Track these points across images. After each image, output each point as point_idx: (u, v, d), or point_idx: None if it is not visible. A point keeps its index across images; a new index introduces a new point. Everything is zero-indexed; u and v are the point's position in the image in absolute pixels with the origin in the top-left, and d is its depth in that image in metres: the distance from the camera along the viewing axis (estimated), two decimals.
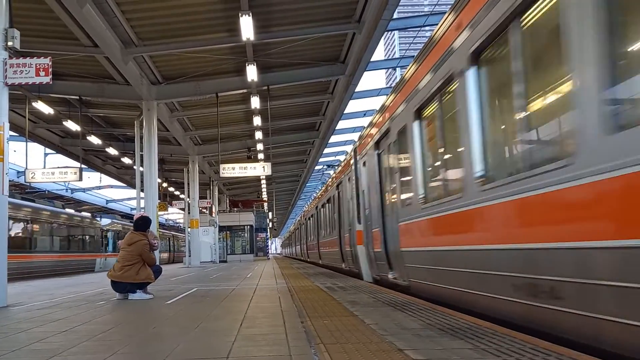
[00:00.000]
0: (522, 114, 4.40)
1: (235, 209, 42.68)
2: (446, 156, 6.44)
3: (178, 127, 23.50)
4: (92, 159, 29.59)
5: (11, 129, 11.08)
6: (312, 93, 21.60)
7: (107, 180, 39.50)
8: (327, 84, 20.61)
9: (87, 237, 30.06)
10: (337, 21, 15.04)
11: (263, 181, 39.00)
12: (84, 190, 44.19)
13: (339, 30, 15.57)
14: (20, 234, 22.63)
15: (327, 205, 18.89)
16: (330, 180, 19.75)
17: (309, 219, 27.34)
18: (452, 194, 5.93)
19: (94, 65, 16.53)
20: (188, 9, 13.60)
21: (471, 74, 5.27)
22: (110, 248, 32.55)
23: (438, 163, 6.74)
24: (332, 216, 17.18)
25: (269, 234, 53.31)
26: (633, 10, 3.32)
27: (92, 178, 40.69)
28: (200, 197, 30.62)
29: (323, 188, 22.61)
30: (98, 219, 32.87)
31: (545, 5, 4.11)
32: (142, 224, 8.98)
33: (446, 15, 5.96)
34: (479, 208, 5.13)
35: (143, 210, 17.85)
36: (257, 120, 21.57)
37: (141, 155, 18.88)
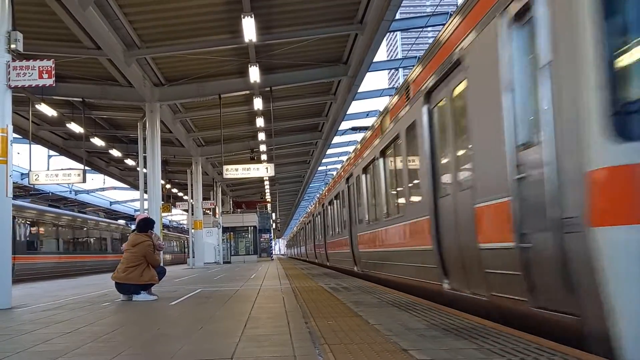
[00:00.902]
0: None
1: (239, 210, 42.73)
2: None
3: (181, 129, 23.53)
4: (95, 161, 29.65)
5: (15, 131, 11.14)
6: (315, 94, 21.58)
7: (111, 181, 39.66)
8: (329, 85, 20.61)
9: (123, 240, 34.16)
10: (340, 22, 15.03)
11: (266, 182, 39.01)
12: (87, 192, 44.33)
13: (342, 31, 15.56)
14: (84, 240, 28.30)
15: (377, 164, 10.33)
16: (397, 98, 8.79)
17: (329, 204, 19.56)
18: None
19: (96, 68, 16.56)
20: (190, 11, 13.61)
21: None
22: None
23: None
24: (401, 179, 8.65)
25: (272, 234, 53.32)
26: None
27: (96, 180, 40.96)
28: (204, 199, 30.72)
29: (362, 141, 12.94)
30: (129, 225, 37.97)
31: None
32: (144, 225, 9.00)
33: None
34: None
35: (146, 211, 17.88)
36: (260, 122, 21.56)
37: (144, 157, 18.94)
